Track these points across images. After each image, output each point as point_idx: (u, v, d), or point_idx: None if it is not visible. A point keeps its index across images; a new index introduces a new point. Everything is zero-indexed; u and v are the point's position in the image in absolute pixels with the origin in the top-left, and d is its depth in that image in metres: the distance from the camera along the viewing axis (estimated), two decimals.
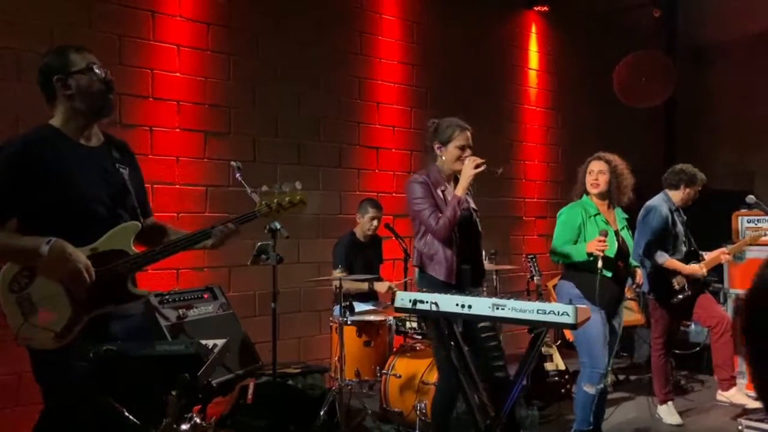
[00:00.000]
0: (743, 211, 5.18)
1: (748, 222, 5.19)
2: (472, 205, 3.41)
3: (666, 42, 8.01)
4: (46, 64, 2.22)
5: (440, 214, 3.17)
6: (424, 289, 3.14)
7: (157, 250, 2.27)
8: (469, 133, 3.33)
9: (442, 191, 3.29)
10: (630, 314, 5.28)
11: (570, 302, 3.10)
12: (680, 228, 4.50)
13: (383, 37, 5.88)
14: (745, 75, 7.87)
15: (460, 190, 3.20)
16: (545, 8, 7.08)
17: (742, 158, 7.62)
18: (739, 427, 4.16)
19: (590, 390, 3.61)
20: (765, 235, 4.67)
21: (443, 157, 3.31)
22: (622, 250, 3.74)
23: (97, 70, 2.22)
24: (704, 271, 4.43)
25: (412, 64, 6.08)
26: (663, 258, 4.40)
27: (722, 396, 4.63)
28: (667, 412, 4.51)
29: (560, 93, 7.42)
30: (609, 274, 3.67)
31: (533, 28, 7.25)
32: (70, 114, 2.22)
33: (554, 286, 5.97)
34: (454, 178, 3.36)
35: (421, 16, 6.14)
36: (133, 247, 2.21)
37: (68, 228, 2.11)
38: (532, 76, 7.23)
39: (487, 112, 6.47)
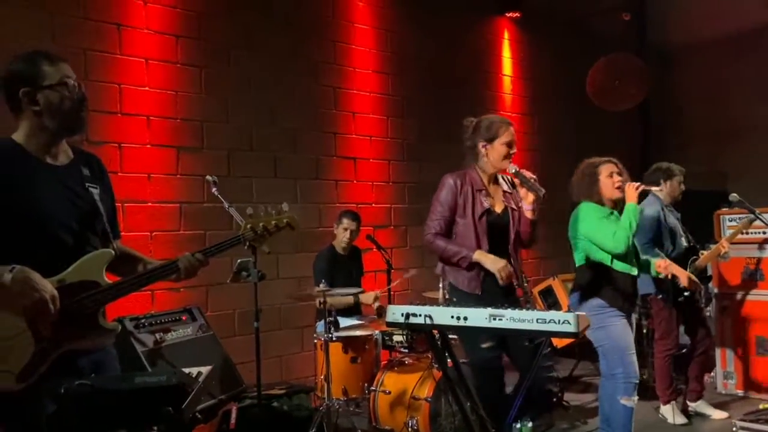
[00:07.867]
0: (725, 209, 5.19)
1: (730, 221, 5.19)
2: (512, 204, 3.23)
3: (636, 45, 8.08)
4: (12, 73, 1.99)
5: (441, 229, 3.06)
6: (454, 299, 3.03)
7: (129, 280, 2.06)
8: (513, 129, 3.18)
9: (478, 191, 3.14)
10: None
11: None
12: (674, 222, 4.53)
13: (357, 46, 5.79)
14: (713, 76, 7.97)
15: (489, 262, 3.00)
16: (517, 14, 7.07)
17: (714, 159, 7.69)
18: (734, 429, 4.13)
19: (629, 403, 3.34)
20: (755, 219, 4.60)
21: (488, 156, 3.16)
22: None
23: (71, 85, 2.01)
24: (689, 278, 4.07)
25: (387, 73, 6.00)
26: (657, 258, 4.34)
27: None
28: (671, 413, 4.51)
29: (535, 98, 7.41)
30: (635, 272, 3.49)
31: (506, 35, 7.24)
32: (36, 130, 2.00)
33: (540, 292, 5.92)
34: (494, 178, 3.24)
35: (394, 25, 6.08)
36: (105, 277, 2.01)
37: (30, 256, 1.89)
38: (507, 83, 7.21)
39: (463, 120, 6.39)
